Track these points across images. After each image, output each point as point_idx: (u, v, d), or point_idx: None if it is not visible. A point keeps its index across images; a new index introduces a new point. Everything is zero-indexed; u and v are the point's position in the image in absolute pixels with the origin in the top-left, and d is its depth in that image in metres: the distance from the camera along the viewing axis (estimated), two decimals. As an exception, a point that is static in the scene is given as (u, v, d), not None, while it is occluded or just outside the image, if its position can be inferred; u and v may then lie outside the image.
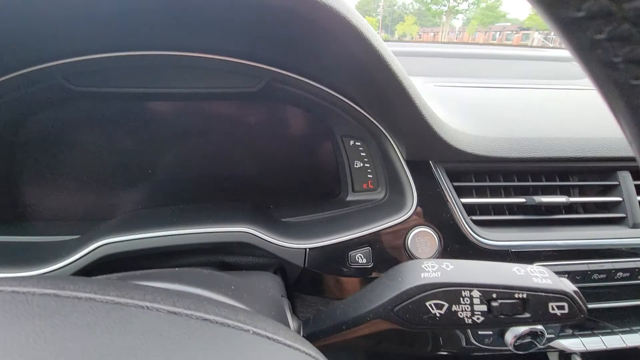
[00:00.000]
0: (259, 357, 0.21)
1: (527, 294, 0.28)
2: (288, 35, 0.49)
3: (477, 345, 0.65)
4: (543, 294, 0.28)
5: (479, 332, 0.64)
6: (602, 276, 0.61)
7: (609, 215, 0.64)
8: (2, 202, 0.60)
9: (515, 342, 0.60)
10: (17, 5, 0.40)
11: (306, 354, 0.24)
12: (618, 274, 0.61)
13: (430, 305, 0.30)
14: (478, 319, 0.29)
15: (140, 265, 0.55)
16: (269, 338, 0.24)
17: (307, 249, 0.56)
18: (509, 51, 1.31)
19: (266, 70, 0.56)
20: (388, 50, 0.47)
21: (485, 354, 0.68)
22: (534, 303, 0.28)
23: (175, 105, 0.62)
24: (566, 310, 0.28)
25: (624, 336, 0.66)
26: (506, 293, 0.29)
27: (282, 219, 0.64)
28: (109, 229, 0.53)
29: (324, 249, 0.57)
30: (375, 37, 0.45)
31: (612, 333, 0.66)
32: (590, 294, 0.63)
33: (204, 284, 0.32)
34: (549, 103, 0.83)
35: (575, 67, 1.18)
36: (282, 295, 0.45)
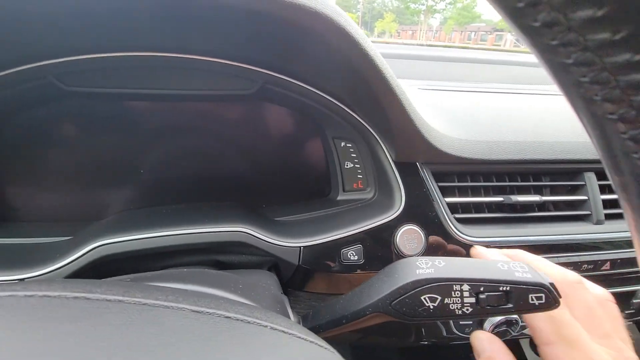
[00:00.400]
0: (281, 349, 0.23)
1: (510, 287, 0.32)
2: (283, 40, 0.50)
3: (458, 335, 0.70)
4: (524, 286, 0.32)
5: (460, 323, 0.68)
6: (569, 269, 0.67)
7: (576, 212, 0.70)
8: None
9: (493, 330, 0.65)
10: (8, 2, 0.39)
11: (318, 345, 0.26)
12: (584, 266, 0.67)
13: (425, 298, 0.33)
14: (467, 309, 0.33)
15: (133, 265, 0.55)
16: (284, 332, 0.26)
17: (302, 247, 0.58)
18: (488, 56, 1.38)
19: (261, 73, 0.57)
20: (379, 55, 0.50)
21: (464, 342, 0.72)
22: (516, 295, 0.32)
23: (168, 106, 0.62)
24: (543, 300, 0.32)
25: (587, 322, 0.72)
26: (492, 286, 0.32)
27: (276, 218, 0.65)
28: (104, 229, 0.53)
29: (318, 247, 0.59)
30: (368, 43, 0.47)
31: (577, 319, 0.73)
32: (559, 285, 0.69)
33: (216, 284, 0.34)
34: (524, 107, 0.88)
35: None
36: (281, 292, 0.47)
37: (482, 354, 0.38)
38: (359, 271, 0.62)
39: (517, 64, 1.34)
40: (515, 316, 0.65)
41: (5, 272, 0.48)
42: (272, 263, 0.60)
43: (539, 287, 0.32)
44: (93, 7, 0.42)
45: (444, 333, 0.71)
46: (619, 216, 0.70)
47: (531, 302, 0.32)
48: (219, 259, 0.60)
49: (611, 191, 0.72)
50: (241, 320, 0.24)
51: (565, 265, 0.67)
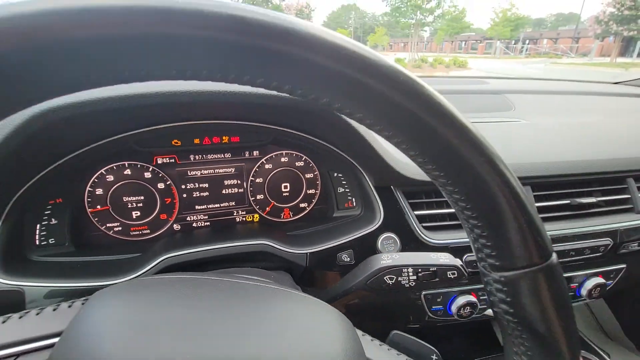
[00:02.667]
0: (310, 311, 0.43)
1: (437, 268, 0.53)
2: (294, 113, 0.73)
3: (432, 317, 0.89)
4: (444, 267, 0.53)
5: (432, 307, 0.88)
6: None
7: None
8: (74, 232, 0.79)
9: (458, 312, 0.85)
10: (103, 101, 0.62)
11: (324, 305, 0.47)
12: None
13: (386, 278, 0.54)
14: (412, 283, 0.53)
15: (188, 270, 0.76)
16: (304, 295, 0.47)
17: (308, 253, 0.79)
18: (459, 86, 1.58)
19: (275, 129, 0.80)
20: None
21: (445, 323, 0.92)
22: (440, 272, 0.53)
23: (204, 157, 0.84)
24: (456, 275, 0.52)
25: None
26: (425, 267, 0.53)
27: (288, 233, 0.87)
28: (165, 246, 0.74)
29: (320, 253, 0.80)
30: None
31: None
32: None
33: (257, 275, 0.54)
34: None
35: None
36: (296, 286, 0.68)
37: None
38: (350, 270, 0.82)
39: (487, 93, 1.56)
40: (474, 299, 0.86)
41: (100, 279, 0.69)
42: (286, 267, 0.81)
43: (452, 267, 0.53)
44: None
45: (426, 318, 0.91)
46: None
47: (450, 276, 0.53)
48: (243, 267, 0.81)
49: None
50: (280, 289, 0.45)
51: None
